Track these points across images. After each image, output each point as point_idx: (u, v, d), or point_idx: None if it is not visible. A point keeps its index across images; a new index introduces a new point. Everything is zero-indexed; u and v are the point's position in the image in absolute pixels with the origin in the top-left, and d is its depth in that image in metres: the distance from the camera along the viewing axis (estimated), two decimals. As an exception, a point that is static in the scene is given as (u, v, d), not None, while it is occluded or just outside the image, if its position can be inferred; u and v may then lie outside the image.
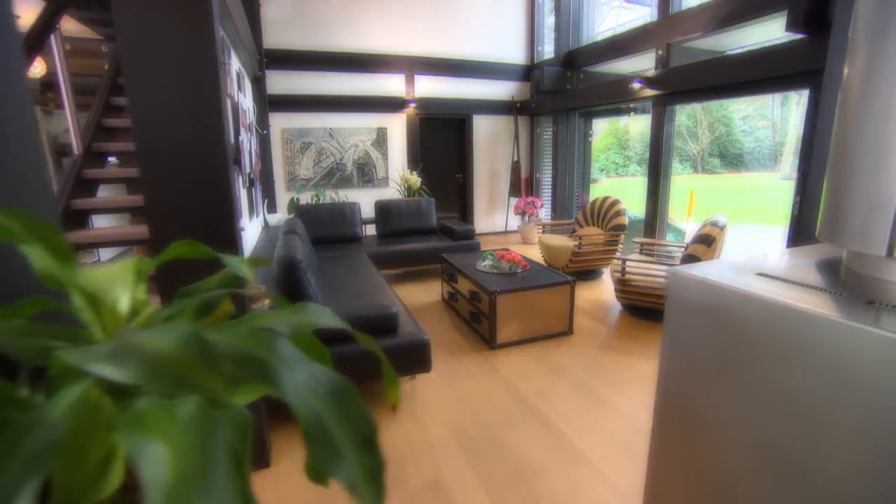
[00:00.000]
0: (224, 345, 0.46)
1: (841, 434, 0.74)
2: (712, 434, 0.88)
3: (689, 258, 3.18)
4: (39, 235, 0.44)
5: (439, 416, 2.42)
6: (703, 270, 0.91)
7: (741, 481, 0.85)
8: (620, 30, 5.48)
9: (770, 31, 3.73)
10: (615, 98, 5.42)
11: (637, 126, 6.45)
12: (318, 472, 0.76)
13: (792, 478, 0.80)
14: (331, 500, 1.81)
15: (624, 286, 3.66)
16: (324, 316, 0.69)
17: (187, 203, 1.71)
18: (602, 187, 7.30)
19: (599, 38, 6.06)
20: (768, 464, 0.82)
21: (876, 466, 0.72)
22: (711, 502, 0.90)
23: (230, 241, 1.78)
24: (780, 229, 4.33)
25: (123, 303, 0.57)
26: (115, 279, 0.56)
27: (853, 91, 0.82)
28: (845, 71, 0.85)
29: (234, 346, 0.47)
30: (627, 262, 3.67)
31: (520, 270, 3.57)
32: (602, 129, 7.39)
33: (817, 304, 0.77)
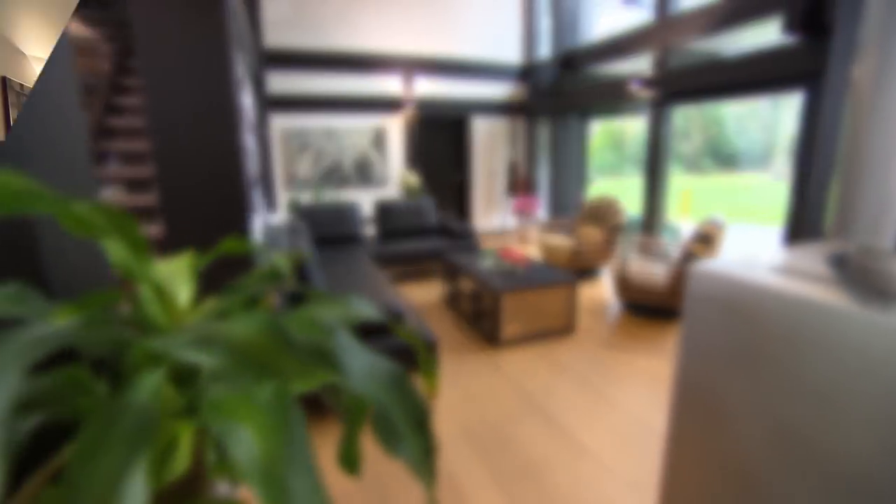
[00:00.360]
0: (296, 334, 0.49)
1: (854, 419, 0.78)
2: (729, 421, 0.92)
3: (689, 257, 3.23)
4: (120, 229, 0.46)
5: (446, 413, 2.45)
6: (721, 266, 0.95)
7: (757, 464, 0.89)
8: (618, 31, 5.54)
9: (767, 34, 3.79)
10: (612, 99, 5.48)
11: (634, 127, 6.53)
12: (350, 463, 0.79)
13: (806, 460, 0.84)
14: (349, 498, 1.84)
15: (625, 285, 3.71)
16: (366, 308, 0.72)
17: (201, 202, 1.72)
18: (599, 187, 7.38)
19: (597, 39, 6.12)
20: (784, 448, 0.86)
21: (887, 450, 0.76)
22: (728, 484, 0.95)
23: (243, 240, 1.80)
24: (774, 228, 4.40)
25: (183, 295, 0.59)
26: (176, 273, 0.58)
27: (864, 93, 0.87)
28: (855, 73, 0.89)
29: (302, 335, 0.49)
30: (629, 261, 3.72)
31: (522, 269, 3.61)
32: (599, 130, 7.47)
33: (831, 297, 0.81)
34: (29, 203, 0.38)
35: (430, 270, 5.17)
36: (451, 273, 3.97)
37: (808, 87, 3.24)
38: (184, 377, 0.58)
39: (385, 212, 5.29)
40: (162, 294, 0.55)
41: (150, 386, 0.47)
